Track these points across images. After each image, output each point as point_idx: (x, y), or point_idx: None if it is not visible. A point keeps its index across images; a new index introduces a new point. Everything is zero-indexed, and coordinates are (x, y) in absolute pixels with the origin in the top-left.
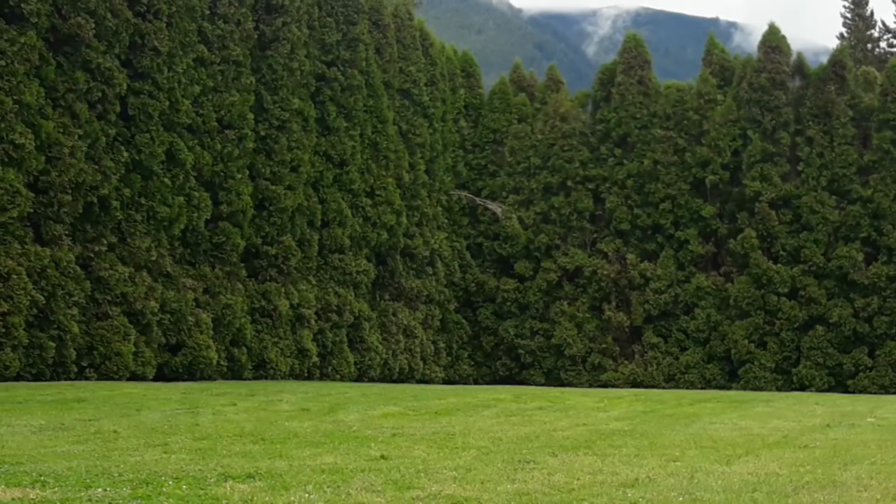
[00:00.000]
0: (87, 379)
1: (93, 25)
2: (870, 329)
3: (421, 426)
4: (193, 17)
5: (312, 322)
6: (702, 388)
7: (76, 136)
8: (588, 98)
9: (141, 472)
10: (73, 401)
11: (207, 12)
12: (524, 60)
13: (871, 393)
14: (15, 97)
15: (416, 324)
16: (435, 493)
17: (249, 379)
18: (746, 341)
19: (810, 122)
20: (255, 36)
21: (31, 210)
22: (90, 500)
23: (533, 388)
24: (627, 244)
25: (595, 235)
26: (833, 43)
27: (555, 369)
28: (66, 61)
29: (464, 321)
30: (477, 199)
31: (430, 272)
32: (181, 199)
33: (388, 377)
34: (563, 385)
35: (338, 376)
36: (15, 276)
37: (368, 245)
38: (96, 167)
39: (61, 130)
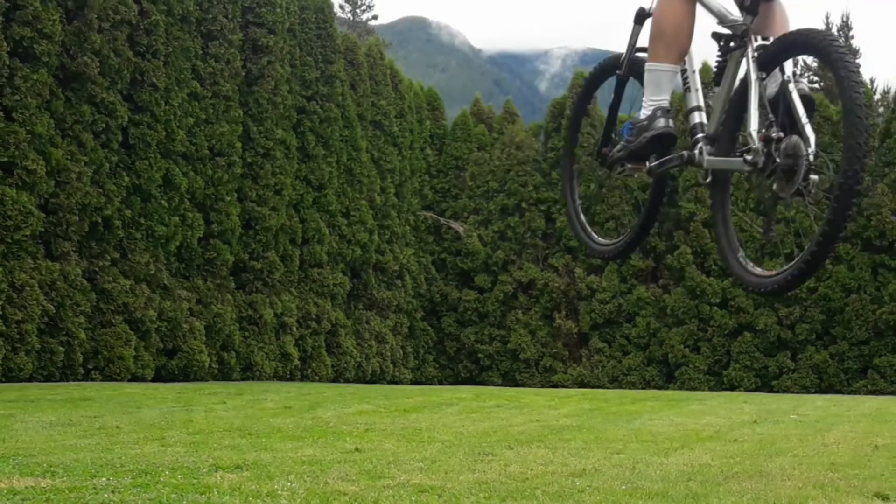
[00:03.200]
0: (92, 380)
1: (98, 64)
2: (792, 335)
3: (391, 422)
4: (188, 56)
5: (294, 329)
6: (642, 389)
7: (82, 163)
8: (541, 129)
9: (140, 464)
10: (79, 399)
11: (200, 52)
12: (483, 95)
13: (793, 393)
14: (28, 128)
15: (386, 331)
16: (404, 482)
17: (238, 380)
18: (682, 346)
19: None
20: (243, 73)
21: (43, 229)
22: (95, 488)
23: (491, 388)
24: (576, 259)
25: (547, 252)
26: None
27: (511, 371)
28: (74, 96)
29: (429, 328)
30: (441, 219)
31: (400, 284)
32: (176, 219)
33: (361, 378)
34: (518, 385)
35: (317, 378)
36: (28, 288)
37: (344, 260)
38: (100, 190)
39: (69, 158)
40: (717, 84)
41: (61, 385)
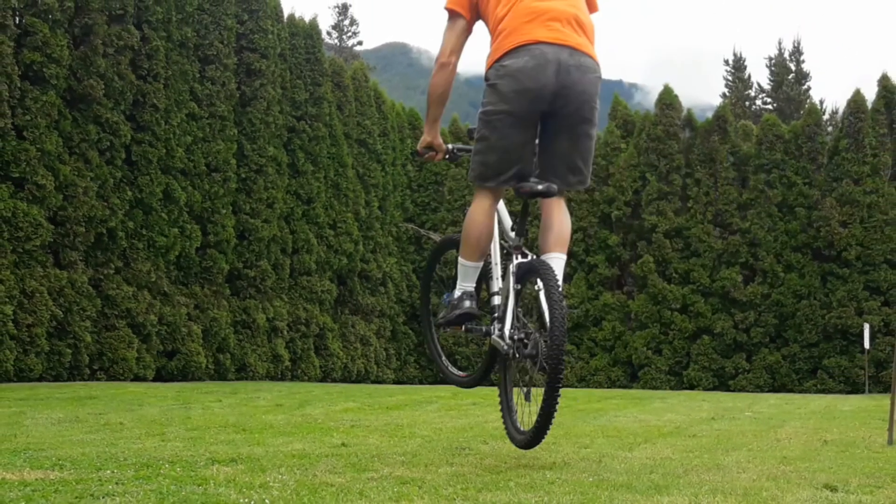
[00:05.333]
0: (97, 380)
1: (103, 86)
2: (747, 338)
3: (375, 419)
4: (186, 79)
5: (285, 332)
6: (608, 388)
7: (89, 178)
8: None
9: (142, 457)
10: (86, 398)
11: (198, 75)
12: (460, 115)
13: (748, 392)
14: (38, 146)
15: (370, 334)
16: (387, 474)
17: (232, 380)
18: (645, 348)
19: (698, 167)
20: (238, 95)
21: (52, 240)
22: (100, 479)
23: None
24: None
25: None
26: (717, 101)
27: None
28: (81, 116)
29: (410, 332)
30: (421, 230)
31: (383, 291)
32: (176, 230)
33: (347, 378)
34: (493, 385)
35: (306, 378)
36: (38, 295)
37: (331, 268)
38: (105, 204)
39: (76, 173)
40: (503, 279)
41: (68, 385)
